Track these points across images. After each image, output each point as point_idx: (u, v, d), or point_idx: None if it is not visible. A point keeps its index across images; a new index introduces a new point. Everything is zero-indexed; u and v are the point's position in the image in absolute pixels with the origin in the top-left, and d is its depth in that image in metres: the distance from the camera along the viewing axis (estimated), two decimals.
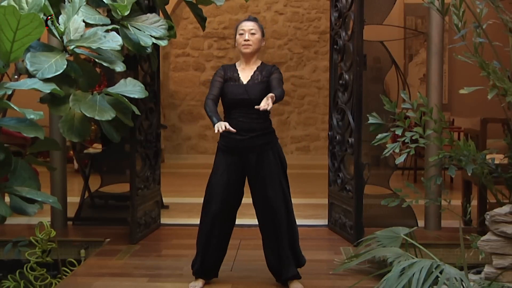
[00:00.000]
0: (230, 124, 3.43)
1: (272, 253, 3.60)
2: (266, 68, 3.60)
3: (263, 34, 3.60)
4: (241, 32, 3.55)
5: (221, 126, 3.29)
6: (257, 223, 3.68)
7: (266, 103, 3.25)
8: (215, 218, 3.55)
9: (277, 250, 3.56)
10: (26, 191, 3.14)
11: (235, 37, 3.60)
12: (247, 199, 3.72)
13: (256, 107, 3.28)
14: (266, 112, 3.52)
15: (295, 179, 3.95)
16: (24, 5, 3.04)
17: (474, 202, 4.56)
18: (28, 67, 3.04)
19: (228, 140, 3.55)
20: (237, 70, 3.60)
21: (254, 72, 3.57)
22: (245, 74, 3.58)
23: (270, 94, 3.32)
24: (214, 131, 3.32)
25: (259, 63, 3.62)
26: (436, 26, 4.88)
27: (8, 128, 3.04)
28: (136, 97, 3.53)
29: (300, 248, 3.66)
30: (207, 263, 3.62)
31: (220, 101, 3.60)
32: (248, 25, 3.55)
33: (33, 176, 3.27)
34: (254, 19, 3.63)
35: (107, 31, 3.40)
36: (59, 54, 3.21)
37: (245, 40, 3.52)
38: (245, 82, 3.54)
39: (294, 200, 3.67)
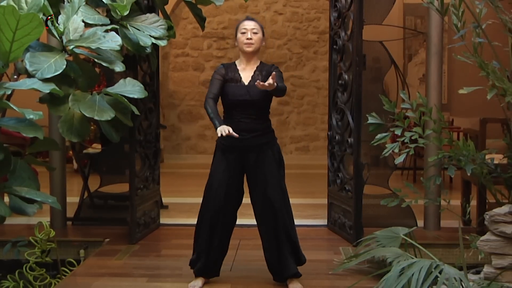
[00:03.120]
0: (230, 125, 3.46)
1: (272, 252, 3.59)
2: (266, 67, 3.60)
3: (263, 34, 3.61)
4: (243, 31, 3.54)
5: (225, 130, 3.30)
6: (255, 223, 3.68)
7: (268, 82, 3.26)
8: (216, 217, 3.54)
9: (277, 249, 3.56)
10: (25, 191, 3.14)
11: (236, 36, 3.59)
12: (245, 199, 3.72)
13: (257, 82, 3.27)
14: (266, 113, 3.55)
15: (294, 179, 3.95)
16: (24, 5, 3.03)
17: (474, 202, 4.55)
18: (28, 67, 3.04)
19: (227, 139, 3.55)
20: (237, 70, 3.59)
21: (255, 72, 3.57)
22: (246, 74, 3.57)
23: (272, 76, 3.29)
24: (215, 132, 3.33)
25: (258, 62, 3.63)
26: (436, 26, 4.88)
27: (8, 128, 3.03)
28: (136, 97, 3.52)
29: (300, 247, 3.65)
30: (209, 262, 3.63)
31: (220, 100, 3.60)
32: (250, 24, 3.56)
33: (33, 176, 3.27)
34: (254, 19, 3.64)
35: (106, 31, 3.40)
36: (58, 54, 3.21)
37: (247, 39, 3.52)
38: (246, 82, 3.55)
39: (293, 200, 3.67)
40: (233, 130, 3.50)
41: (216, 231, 3.58)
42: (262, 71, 3.57)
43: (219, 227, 3.58)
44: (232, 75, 3.56)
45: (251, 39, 3.52)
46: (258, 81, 3.30)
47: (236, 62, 3.64)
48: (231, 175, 3.56)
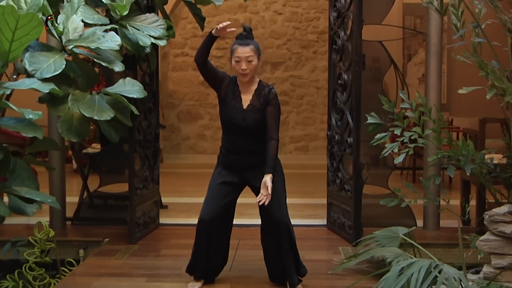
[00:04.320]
0: (227, 143, 3.52)
1: (275, 265, 3.61)
2: (264, 92, 3.50)
3: (259, 54, 3.49)
4: (237, 59, 3.43)
5: (219, 25, 3.33)
6: (254, 222, 3.68)
7: (266, 196, 3.34)
8: (210, 229, 3.53)
9: (281, 262, 3.56)
10: (24, 191, 3.13)
11: (231, 59, 3.47)
12: (245, 199, 3.73)
13: (257, 200, 3.36)
14: (263, 133, 3.49)
15: (294, 179, 3.95)
16: (23, 5, 3.03)
17: (473, 202, 4.56)
18: (27, 67, 3.04)
19: (227, 159, 3.57)
20: (238, 87, 3.52)
21: (253, 96, 3.50)
22: (245, 96, 3.51)
23: (268, 181, 3.35)
24: (218, 28, 3.35)
25: (256, 83, 3.54)
26: (435, 26, 4.88)
27: (7, 128, 3.03)
28: (135, 97, 3.52)
29: (300, 258, 3.65)
30: (206, 271, 3.63)
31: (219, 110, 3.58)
32: (244, 52, 3.41)
33: (32, 176, 3.26)
34: (248, 35, 3.47)
35: (106, 31, 3.40)
36: (57, 54, 3.21)
37: (242, 69, 3.43)
38: (245, 106, 3.49)
39: (293, 200, 3.67)
40: (231, 150, 3.55)
41: (211, 243, 3.57)
42: (260, 97, 3.49)
43: (214, 239, 3.57)
44: (232, 91, 3.52)
45: (245, 69, 3.43)
46: (259, 202, 3.36)
47: (238, 78, 3.55)
48: (227, 187, 3.55)
